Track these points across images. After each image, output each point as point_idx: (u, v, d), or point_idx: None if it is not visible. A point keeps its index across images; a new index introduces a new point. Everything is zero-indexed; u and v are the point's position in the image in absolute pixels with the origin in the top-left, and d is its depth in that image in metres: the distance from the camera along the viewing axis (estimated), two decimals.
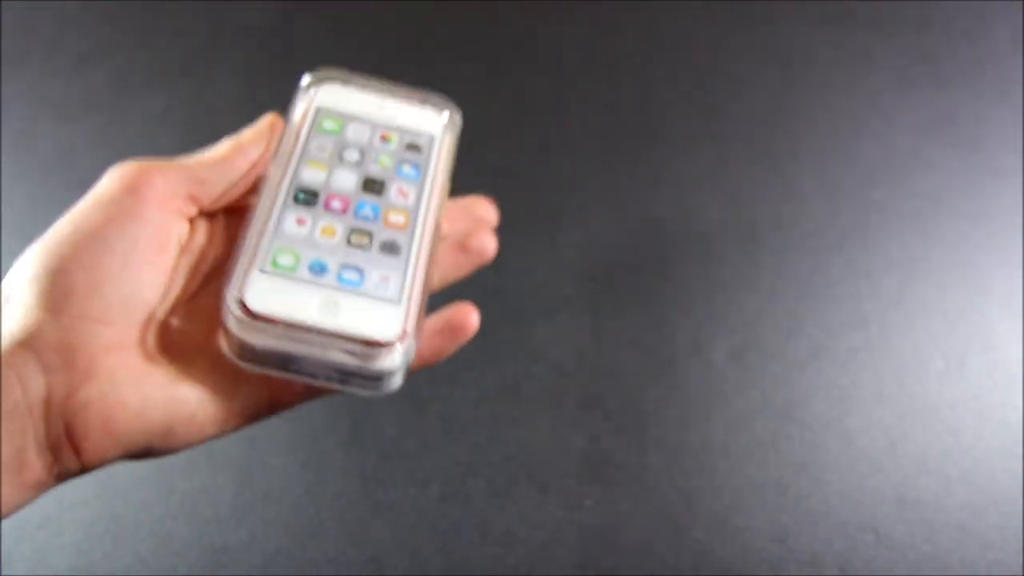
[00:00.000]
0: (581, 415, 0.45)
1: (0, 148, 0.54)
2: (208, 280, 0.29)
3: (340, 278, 0.28)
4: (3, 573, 0.41)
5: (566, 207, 0.52)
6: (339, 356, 0.27)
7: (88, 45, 0.58)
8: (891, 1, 0.59)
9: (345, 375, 0.28)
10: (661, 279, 0.49)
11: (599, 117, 0.55)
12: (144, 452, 0.25)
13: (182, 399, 0.26)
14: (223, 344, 0.27)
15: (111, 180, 0.27)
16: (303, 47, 0.58)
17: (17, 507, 0.24)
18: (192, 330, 0.27)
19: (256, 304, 0.26)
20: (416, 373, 0.30)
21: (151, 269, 0.26)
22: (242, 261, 0.27)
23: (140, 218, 0.26)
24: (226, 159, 0.30)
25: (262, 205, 0.29)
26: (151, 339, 0.26)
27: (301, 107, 0.34)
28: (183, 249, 0.28)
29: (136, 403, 0.25)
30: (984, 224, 0.50)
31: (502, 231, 0.54)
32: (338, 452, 0.44)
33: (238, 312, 0.26)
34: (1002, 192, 0.51)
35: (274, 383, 0.28)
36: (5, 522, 0.43)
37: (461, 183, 0.57)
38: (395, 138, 0.34)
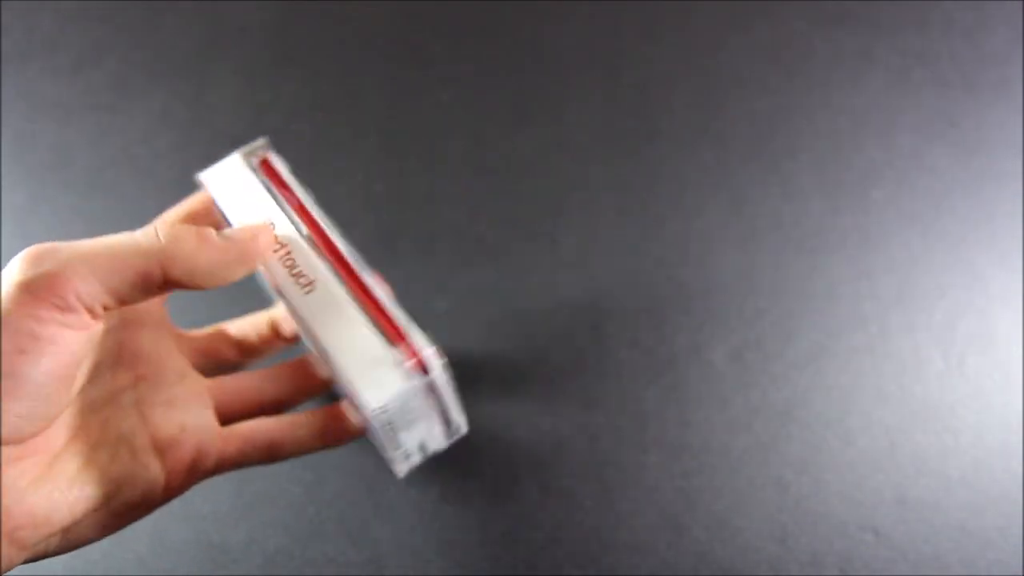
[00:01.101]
0: (581, 415, 0.45)
1: (0, 148, 0.54)
2: (97, 370, 0.28)
3: None
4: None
5: (566, 207, 0.51)
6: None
7: (88, 45, 0.58)
8: (891, 1, 0.59)
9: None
10: (661, 279, 0.49)
11: (599, 116, 0.55)
12: (43, 555, 0.26)
13: (86, 496, 0.26)
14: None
15: (17, 291, 0.23)
16: (303, 47, 0.58)
17: None
18: (88, 424, 0.27)
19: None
20: None
21: (63, 386, 0.25)
22: (404, 323, 0.27)
23: (55, 344, 0.24)
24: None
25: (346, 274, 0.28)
26: (53, 442, 0.26)
27: (286, 178, 0.31)
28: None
29: (43, 509, 0.24)
30: (984, 225, 0.50)
31: (502, 231, 0.54)
32: (338, 452, 0.44)
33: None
34: (1002, 192, 0.51)
35: (174, 471, 0.29)
36: None
37: (462, 183, 0.57)
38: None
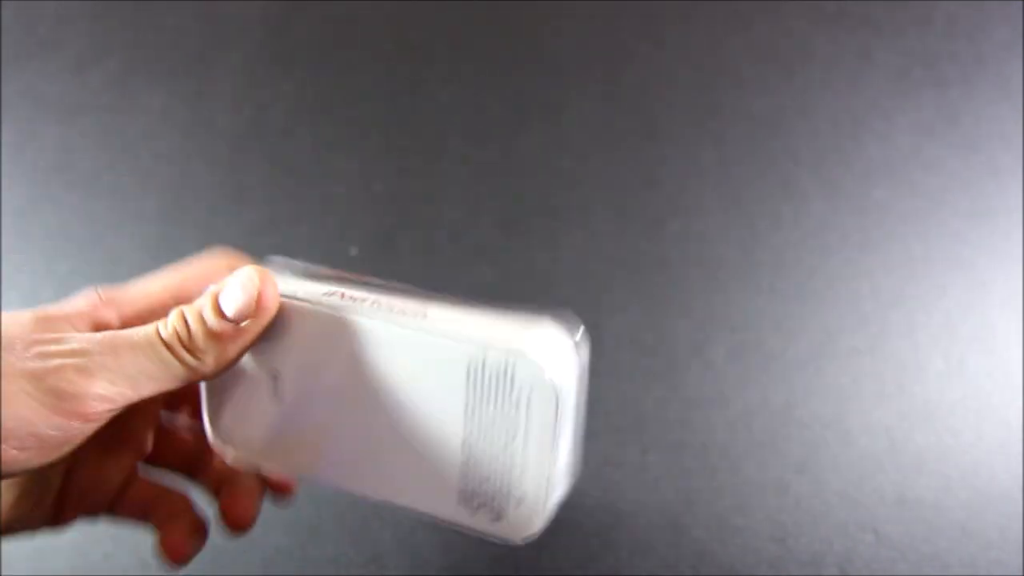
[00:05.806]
0: None
1: (0, 148, 0.54)
2: None
3: None
4: (3, 573, 0.41)
5: (566, 207, 0.51)
6: None
7: (88, 45, 0.58)
8: (891, 1, 0.59)
9: None
10: (661, 279, 0.49)
11: (599, 116, 0.55)
12: None
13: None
14: None
15: (42, 392, 0.23)
16: (303, 47, 0.58)
17: None
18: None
19: None
20: None
21: None
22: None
23: (69, 444, 0.25)
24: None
25: None
26: None
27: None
28: None
29: None
30: (984, 224, 0.50)
31: (502, 231, 0.54)
32: None
33: None
34: (1002, 192, 0.51)
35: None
36: None
37: (462, 183, 0.57)
38: None
